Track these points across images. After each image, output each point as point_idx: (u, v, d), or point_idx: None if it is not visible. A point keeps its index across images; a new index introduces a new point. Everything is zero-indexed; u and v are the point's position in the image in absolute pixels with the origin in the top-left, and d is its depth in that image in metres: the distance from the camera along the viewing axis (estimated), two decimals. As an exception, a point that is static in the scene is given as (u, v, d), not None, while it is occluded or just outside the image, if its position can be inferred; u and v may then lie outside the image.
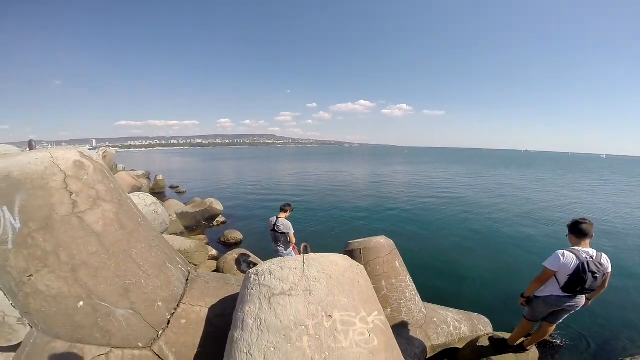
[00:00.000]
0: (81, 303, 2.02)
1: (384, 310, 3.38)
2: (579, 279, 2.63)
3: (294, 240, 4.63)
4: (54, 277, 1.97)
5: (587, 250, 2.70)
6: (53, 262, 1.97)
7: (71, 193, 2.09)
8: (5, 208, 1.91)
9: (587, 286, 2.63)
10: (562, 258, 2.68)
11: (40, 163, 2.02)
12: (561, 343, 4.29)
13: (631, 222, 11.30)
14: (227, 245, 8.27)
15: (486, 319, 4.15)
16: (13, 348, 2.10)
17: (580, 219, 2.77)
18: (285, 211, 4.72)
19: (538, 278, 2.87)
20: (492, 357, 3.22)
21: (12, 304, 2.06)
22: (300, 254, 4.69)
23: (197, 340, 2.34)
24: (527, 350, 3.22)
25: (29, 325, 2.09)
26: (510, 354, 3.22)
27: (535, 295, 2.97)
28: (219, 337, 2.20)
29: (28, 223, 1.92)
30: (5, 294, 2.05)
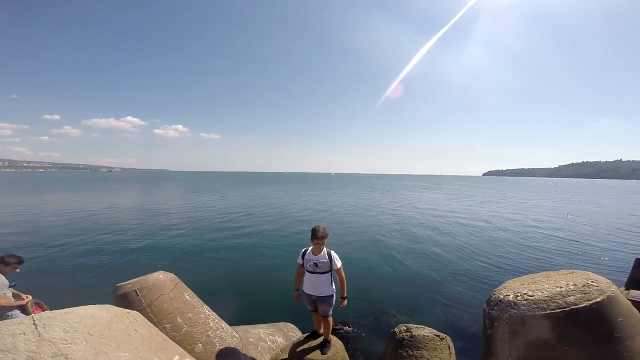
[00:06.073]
0: None
1: (195, 347, 2.75)
2: None
3: (3, 301, 3.01)
4: None
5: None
6: None
7: None
8: None
9: None
10: None
11: None
12: (351, 328, 4.82)
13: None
14: None
15: (291, 324, 4.28)
16: None
17: (316, 226, 3.16)
18: None
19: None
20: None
21: None
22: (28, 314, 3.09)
23: None
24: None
25: None
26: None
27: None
28: None
29: None
30: None
